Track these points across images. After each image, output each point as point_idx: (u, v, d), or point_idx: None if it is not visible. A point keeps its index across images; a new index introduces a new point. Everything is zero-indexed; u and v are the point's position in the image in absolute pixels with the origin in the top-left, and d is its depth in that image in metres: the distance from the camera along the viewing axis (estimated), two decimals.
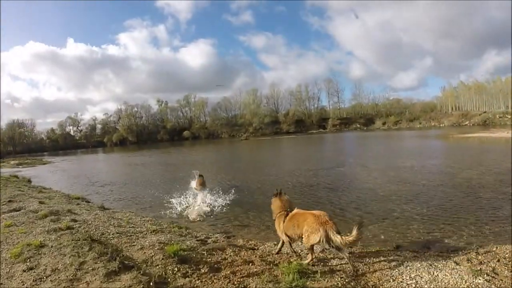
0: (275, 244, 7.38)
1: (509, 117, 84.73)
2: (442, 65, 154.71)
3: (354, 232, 5.31)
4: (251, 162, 31.77)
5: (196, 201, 13.84)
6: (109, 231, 8.04)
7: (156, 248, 6.25)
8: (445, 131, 65.88)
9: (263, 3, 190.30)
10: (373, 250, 6.86)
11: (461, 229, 8.85)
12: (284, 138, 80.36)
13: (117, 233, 7.83)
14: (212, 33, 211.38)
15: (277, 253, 6.62)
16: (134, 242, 6.97)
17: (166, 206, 13.42)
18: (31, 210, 10.53)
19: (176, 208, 12.94)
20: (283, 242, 6.52)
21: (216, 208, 12.80)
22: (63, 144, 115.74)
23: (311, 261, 5.83)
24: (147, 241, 6.91)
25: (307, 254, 5.99)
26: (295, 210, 6.38)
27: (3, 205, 11.61)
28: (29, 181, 23.65)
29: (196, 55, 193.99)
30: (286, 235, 6.16)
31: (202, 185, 15.44)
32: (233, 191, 15.14)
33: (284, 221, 6.24)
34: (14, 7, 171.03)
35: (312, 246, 5.78)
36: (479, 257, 6.20)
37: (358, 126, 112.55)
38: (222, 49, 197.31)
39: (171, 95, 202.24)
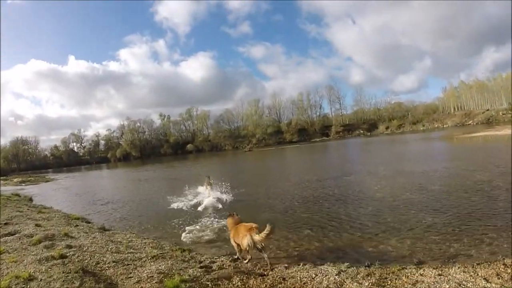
0: (286, 267, 6.84)
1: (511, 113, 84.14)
2: (442, 65, 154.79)
3: (267, 228, 6.99)
4: (256, 175, 31.10)
5: (205, 198, 17.00)
6: (105, 259, 7.45)
7: (154, 282, 5.71)
8: (449, 132, 65.38)
9: (260, 14, 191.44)
10: (394, 270, 6.24)
11: (482, 238, 8.26)
12: (288, 148, 79.84)
13: (114, 261, 7.23)
14: (211, 46, 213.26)
15: (236, 259, 7.90)
16: (131, 272, 6.42)
17: (170, 222, 13.17)
18: (26, 235, 9.99)
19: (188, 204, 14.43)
20: (238, 249, 7.93)
21: (217, 224, 12.23)
22: (67, 160, 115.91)
23: (249, 261, 7.70)
24: (146, 272, 6.35)
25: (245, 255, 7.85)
26: (239, 224, 8.23)
27: None
28: (31, 199, 23.26)
29: (196, 68, 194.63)
30: (235, 242, 7.90)
31: (210, 184, 19.05)
32: (238, 206, 14.61)
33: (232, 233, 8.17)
34: (14, 26, 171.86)
35: (246, 248, 7.47)
36: (508, 270, 5.74)
37: (361, 132, 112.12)
38: (221, 61, 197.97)
39: (173, 109, 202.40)
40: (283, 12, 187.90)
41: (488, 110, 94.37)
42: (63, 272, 6.20)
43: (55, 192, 31.22)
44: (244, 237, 7.42)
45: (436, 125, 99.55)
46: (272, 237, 8.13)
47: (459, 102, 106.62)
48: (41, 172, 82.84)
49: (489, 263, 6.23)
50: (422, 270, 6.13)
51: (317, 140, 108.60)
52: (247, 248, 7.45)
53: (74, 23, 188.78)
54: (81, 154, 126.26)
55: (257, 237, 7.16)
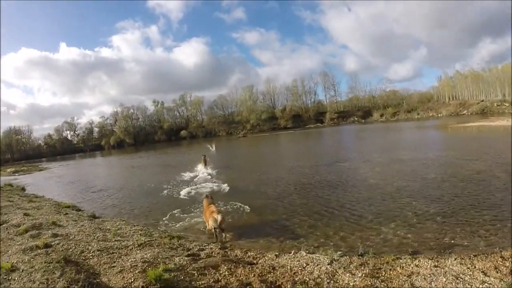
0: (276, 256, 6.63)
1: (507, 105, 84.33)
2: (437, 54, 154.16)
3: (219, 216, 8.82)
4: (249, 161, 30.84)
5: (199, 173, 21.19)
6: (90, 247, 7.23)
7: (137, 271, 5.46)
8: (444, 121, 65.28)
9: (254, 2, 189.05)
10: (389, 260, 6.03)
11: (479, 228, 8.08)
12: (282, 134, 79.62)
13: (99, 250, 7.01)
14: (205, 32, 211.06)
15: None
16: (115, 262, 6.19)
17: (161, 208, 13.15)
18: (13, 224, 9.81)
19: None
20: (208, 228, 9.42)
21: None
22: (60, 149, 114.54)
23: (217, 240, 8.79)
24: (130, 261, 6.12)
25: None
26: (209, 206, 10.02)
27: None
28: (23, 189, 23.13)
29: (189, 54, 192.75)
30: (207, 223, 9.32)
31: (205, 162, 23.17)
32: (230, 192, 14.45)
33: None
34: (3, 14, 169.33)
35: (211, 228, 8.96)
36: (507, 263, 5.54)
37: (356, 119, 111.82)
38: (215, 47, 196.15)
39: (167, 95, 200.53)
40: None
41: (483, 101, 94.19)
42: (45, 262, 5.98)
43: (48, 181, 30.92)
44: (209, 219, 9.07)
45: (430, 114, 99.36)
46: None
47: (454, 92, 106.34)
48: (35, 161, 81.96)
49: (486, 255, 6.04)
50: (417, 260, 5.92)
51: (312, 126, 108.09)
52: (211, 228, 8.98)
53: (65, 10, 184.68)
54: (75, 142, 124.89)
55: (217, 216, 8.84)
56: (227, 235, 9.02)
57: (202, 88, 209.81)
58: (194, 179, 19.89)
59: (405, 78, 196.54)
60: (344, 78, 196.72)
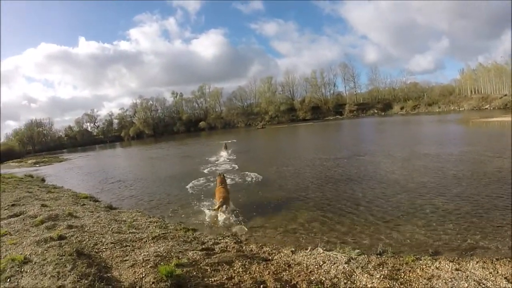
0: (292, 252, 6.48)
1: None
2: (459, 46, 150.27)
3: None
4: (268, 152, 30.67)
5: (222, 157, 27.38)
6: (104, 239, 7.18)
7: (149, 266, 5.36)
8: (466, 115, 64.08)
9: None
10: (408, 260, 5.82)
11: (501, 229, 7.76)
12: (301, 126, 79.06)
13: (112, 242, 6.95)
14: (223, 23, 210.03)
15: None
16: (127, 255, 6.10)
17: (179, 201, 13.28)
18: (30, 215, 9.83)
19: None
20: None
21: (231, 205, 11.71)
22: (81, 140, 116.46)
23: (218, 208, 10.37)
24: (143, 254, 6.03)
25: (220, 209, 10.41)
26: (220, 186, 11.64)
27: (5, 209, 10.92)
28: (43, 180, 23.44)
29: (208, 46, 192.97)
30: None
31: (226, 148, 31.19)
32: (249, 185, 14.35)
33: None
34: (22, 10, 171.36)
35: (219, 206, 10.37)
36: None
37: (376, 111, 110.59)
38: (234, 38, 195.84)
39: (186, 87, 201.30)
40: None
41: (506, 95, 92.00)
42: (58, 255, 5.91)
43: (68, 172, 31.35)
44: (219, 198, 10.67)
45: (452, 108, 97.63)
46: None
47: (477, 85, 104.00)
48: (56, 152, 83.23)
49: (509, 259, 5.78)
50: (438, 262, 5.70)
51: (331, 118, 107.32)
52: (218, 207, 10.37)
53: (83, 4, 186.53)
54: (95, 133, 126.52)
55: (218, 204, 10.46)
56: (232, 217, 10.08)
57: (221, 79, 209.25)
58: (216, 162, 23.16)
59: (426, 70, 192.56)
60: (364, 70, 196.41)
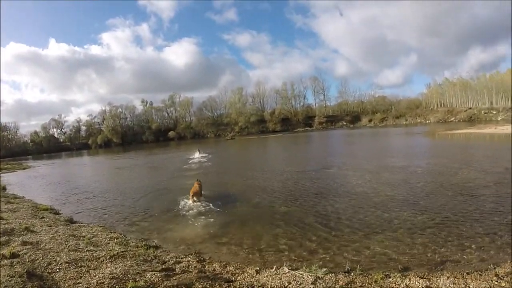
0: (257, 272, 6.22)
1: (494, 112, 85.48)
2: (427, 62, 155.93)
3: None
4: (236, 163, 30.44)
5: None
6: (59, 258, 6.75)
7: None
8: (432, 128, 65.77)
9: (247, 2, 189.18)
10: (377, 278, 5.65)
11: (470, 242, 7.74)
12: (270, 137, 79.29)
13: (67, 262, 6.53)
14: (196, 32, 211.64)
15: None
16: (81, 277, 5.72)
17: (144, 214, 12.86)
18: None
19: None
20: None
21: (192, 218, 11.69)
22: (47, 147, 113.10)
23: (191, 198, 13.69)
24: (98, 276, 5.66)
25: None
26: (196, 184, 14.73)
27: None
28: (4, 188, 22.38)
29: (180, 54, 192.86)
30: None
31: (199, 151, 38.31)
32: (214, 198, 14.09)
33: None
34: None
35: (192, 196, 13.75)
36: (502, 283, 5.22)
37: (345, 123, 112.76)
38: (206, 47, 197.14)
39: (156, 95, 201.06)
40: (270, 1, 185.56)
41: (470, 108, 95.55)
42: (8, 276, 5.54)
43: (31, 181, 30.00)
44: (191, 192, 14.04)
45: (419, 120, 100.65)
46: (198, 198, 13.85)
47: (442, 99, 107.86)
48: (21, 158, 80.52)
49: (480, 272, 5.72)
50: (407, 279, 5.56)
51: (300, 130, 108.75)
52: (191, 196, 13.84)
53: (55, 5, 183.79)
54: (61, 140, 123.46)
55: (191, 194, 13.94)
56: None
57: (191, 88, 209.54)
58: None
59: (395, 84, 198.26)
60: (334, 83, 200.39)
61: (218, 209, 12.67)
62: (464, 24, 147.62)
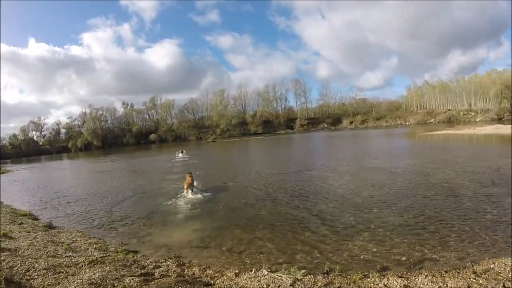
0: (236, 275, 6.23)
1: (473, 114, 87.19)
2: (408, 64, 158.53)
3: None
4: (217, 167, 30.22)
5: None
6: (37, 265, 6.64)
7: None
8: (412, 129, 66.69)
9: (230, 3, 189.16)
10: (356, 279, 5.70)
11: (449, 240, 7.88)
12: (252, 140, 79.44)
13: (45, 268, 6.43)
14: (178, 33, 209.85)
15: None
16: (59, 283, 5.64)
17: (124, 218, 12.75)
18: None
19: None
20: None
21: (172, 222, 11.68)
22: (26, 150, 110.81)
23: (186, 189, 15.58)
24: (76, 282, 5.59)
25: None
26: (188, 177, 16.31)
27: None
28: None
29: (161, 55, 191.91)
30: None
31: (182, 152, 40.39)
32: (194, 201, 14.06)
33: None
34: None
35: (185, 188, 15.57)
36: (480, 281, 5.27)
37: (326, 126, 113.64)
38: (188, 49, 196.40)
39: (137, 97, 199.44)
40: (252, 2, 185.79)
41: (449, 110, 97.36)
42: None
43: (10, 185, 29.32)
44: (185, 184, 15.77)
45: (399, 122, 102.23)
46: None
47: (422, 101, 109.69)
48: None
49: (458, 270, 5.80)
50: (386, 279, 5.61)
51: (282, 132, 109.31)
52: (185, 188, 15.62)
53: (35, 3, 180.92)
54: (41, 143, 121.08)
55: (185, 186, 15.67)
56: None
57: (173, 90, 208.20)
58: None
59: (376, 87, 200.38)
60: (316, 85, 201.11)
61: (198, 212, 12.67)
62: (445, 28, 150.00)
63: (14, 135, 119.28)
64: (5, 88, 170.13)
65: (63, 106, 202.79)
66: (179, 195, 15.53)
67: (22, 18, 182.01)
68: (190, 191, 15.49)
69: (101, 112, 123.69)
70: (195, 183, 16.66)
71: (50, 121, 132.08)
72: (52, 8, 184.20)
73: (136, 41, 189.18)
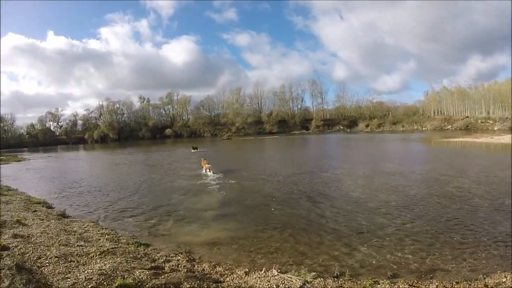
0: (246, 273, 6.21)
1: (491, 122, 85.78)
2: (426, 68, 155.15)
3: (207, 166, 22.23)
4: (231, 165, 30.10)
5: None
6: (48, 253, 6.71)
7: (90, 286, 4.97)
8: (428, 135, 65.81)
9: (247, 1, 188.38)
10: (366, 285, 5.66)
11: (462, 250, 7.76)
12: (267, 139, 79.19)
13: (57, 256, 6.49)
14: (195, 30, 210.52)
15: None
16: (70, 272, 5.69)
17: (138, 211, 12.82)
18: None
19: None
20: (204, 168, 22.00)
21: (184, 217, 11.68)
22: (43, 140, 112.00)
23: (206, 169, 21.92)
24: (86, 272, 5.63)
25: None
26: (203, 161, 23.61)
27: None
28: None
29: (179, 52, 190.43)
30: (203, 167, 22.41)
31: (196, 148, 43.38)
32: (206, 197, 14.11)
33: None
34: None
35: (205, 168, 22.12)
36: None
37: (341, 128, 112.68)
38: (205, 46, 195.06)
39: (154, 92, 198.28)
40: (270, 1, 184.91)
41: (467, 117, 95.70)
42: None
43: (26, 173, 29.83)
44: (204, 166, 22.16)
45: (415, 127, 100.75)
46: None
47: (440, 107, 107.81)
48: (17, 151, 79.72)
49: (469, 282, 5.72)
50: (396, 286, 5.56)
51: (297, 132, 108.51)
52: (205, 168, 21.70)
53: None
54: (57, 133, 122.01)
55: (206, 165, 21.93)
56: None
57: (189, 87, 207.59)
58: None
59: (393, 90, 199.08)
60: (332, 87, 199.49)
61: (210, 210, 12.67)
62: (464, 32, 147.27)
63: (32, 125, 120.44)
64: (24, 79, 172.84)
65: (80, 99, 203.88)
66: (192, 190, 15.58)
67: (42, 11, 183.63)
68: (210, 170, 21.51)
69: (118, 105, 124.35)
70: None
71: (67, 112, 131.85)
72: (71, 2, 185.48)
73: (153, 36, 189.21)
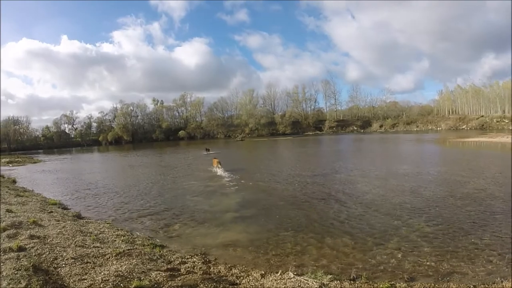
0: (262, 276, 6.18)
1: (507, 121, 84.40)
2: (439, 68, 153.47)
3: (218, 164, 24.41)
4: (245, 166, 30.13)
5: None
6: (65, 254, 6.76)
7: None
8: (443, 135, 65.21)
9: (258, 2, 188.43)
10: (383, 287, 5.59)
11: (479, 254, 7.64)
12: (280, 140, 79.09)
13: (73, 257, 6.54)
14: (207, 32, 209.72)
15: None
16: (86, 273, 5.73)
17: (153, 213, 12.83)
18: None
19: None
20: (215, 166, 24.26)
21: (199, 219, 11.70)
22: (58, 142, 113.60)
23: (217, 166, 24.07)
24: (103, 273, 5.67)
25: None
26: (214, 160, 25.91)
27: None
28: (14, 181, 22.72)
29: (191, 54, 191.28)
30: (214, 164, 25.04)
31: (208, 150, 44.10)
32: (221, 198, 14.10)
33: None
34: (6, 3, 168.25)
35: (216, 165, 24.46)
36: None
37: (355, 128, 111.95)
38: (217, 48, 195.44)
39: (167, 94, 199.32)
40: (281, 2, 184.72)
41: (482, 116, 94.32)
42: (14, 269, 5.54)
43: (41, 175, 30.21)
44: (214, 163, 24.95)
45: (430, 127, 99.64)
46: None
47: (454, 106, 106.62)
48: (32, 153, 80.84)
49: (486, 285, 5.65)
50: None
51: (310, 133, 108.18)
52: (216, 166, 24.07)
53: (67, 2, 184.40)
54: (72, 136, 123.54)
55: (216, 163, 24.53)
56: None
57: (202, 89, 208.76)
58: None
59: (406, 90, 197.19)
60: (345, 87, 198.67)
61: (225, 211, 12.68)
62: (477, 29, 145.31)
63: (47, 127, 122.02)
64: (38, 82, 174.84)
65: (94, 101, 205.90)
66: (206, 191, 15.62)
67: (55, 16, 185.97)
68: (220, 168, 23.09)
69: (131, 108, 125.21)
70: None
71: (81, 115, 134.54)
72: (83, 6, 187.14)
73: (165, 39, 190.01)
